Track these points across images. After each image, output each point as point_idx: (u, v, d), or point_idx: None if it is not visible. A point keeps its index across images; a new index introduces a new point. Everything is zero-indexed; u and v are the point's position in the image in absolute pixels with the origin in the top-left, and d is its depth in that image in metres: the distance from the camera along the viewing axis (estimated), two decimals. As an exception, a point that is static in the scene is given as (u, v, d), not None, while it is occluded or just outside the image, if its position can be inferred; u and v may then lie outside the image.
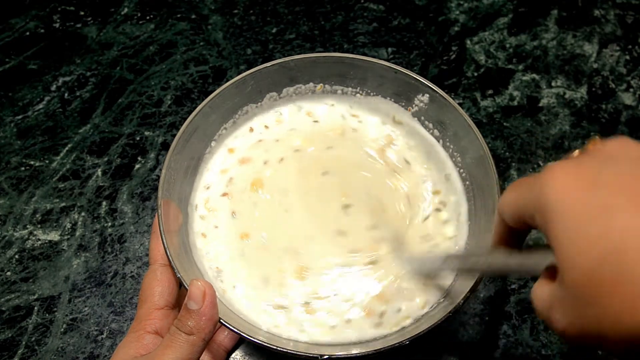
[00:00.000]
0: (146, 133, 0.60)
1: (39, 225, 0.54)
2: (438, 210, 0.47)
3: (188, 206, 0.46)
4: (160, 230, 0.39)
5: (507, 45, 0.68)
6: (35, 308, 0.50)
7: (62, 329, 0.49)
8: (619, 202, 0.21)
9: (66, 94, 0.64)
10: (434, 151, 0.49)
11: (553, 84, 0.65)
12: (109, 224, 0.54)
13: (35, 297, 0.50)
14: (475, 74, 0.65)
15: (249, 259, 0.44)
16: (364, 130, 0.51)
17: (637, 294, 0.20)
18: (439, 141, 0.49)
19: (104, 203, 0.56)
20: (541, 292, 0.25)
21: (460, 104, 0.47)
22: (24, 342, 0.48)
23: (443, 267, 0.39)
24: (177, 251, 0.40)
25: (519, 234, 0.30)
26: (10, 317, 0.49)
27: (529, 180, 0.26)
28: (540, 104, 0.63)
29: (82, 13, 0.71)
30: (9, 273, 0.52)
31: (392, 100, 0.51)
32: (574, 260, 0.21)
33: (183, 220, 0.44)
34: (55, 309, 0.50)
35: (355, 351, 0.36)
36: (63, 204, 0.56)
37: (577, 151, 0.27)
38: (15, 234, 0.54)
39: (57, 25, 0.70)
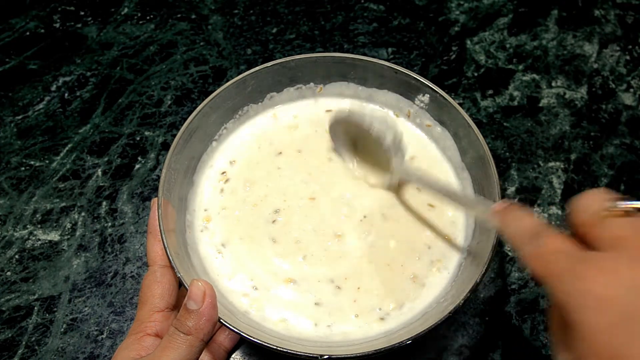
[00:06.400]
0: (146, 133, 0.60)
1: (39, 225, 0.54)
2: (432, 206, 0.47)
3: (187, 205, 0.46)
4: (160, 230, 0.39)
5: (507, 45, 0.68)
6: (35, 308, 0.50)
7: (62, 329, 0.49)
8: None
9: (66, 94, 0.64)
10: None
11: (553, 84, 0.65)
12: (109, 224, 0.54)
13: (35, 297, 0.50)
14: (475, 74, 0.65)
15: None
16: None
17: None
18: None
19: (104, 203, 0.56)
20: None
21: (460, 104, 0.46)
22: (24, 342, 0.48)
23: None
24: (176, 250, 0.40)
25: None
26: (10, 317, 0.49)
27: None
28: (540, 104, 0.63)
29: (82, 13, 0.71)
30: (9, 273, 0.52)
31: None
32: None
33: (177, 219, 0.44)
34: (55, 309, 0.50)
35: (355, 351, 0.36)
36: (63, 204, 0.56)
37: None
38: (15, 234, 0.54)
39: (57, 25, 0.70)
